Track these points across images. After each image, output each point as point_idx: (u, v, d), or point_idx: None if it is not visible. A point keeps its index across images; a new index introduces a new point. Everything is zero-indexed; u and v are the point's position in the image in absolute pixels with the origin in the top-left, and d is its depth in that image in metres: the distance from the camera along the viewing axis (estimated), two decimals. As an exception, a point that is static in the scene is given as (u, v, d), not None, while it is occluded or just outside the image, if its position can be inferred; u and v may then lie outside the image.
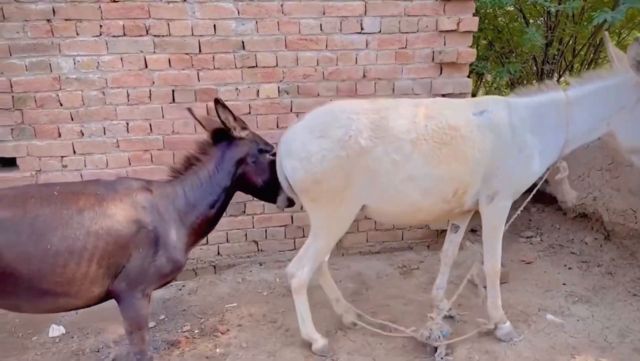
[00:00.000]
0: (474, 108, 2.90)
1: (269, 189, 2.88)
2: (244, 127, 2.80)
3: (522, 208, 3.20)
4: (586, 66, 6.31)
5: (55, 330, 3.40)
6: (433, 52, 4.12)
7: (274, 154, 2.84)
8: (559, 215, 4.87)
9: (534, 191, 3.18)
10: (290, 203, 3.00)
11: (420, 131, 2.77)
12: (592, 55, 6.23)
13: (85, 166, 3.86)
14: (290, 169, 2.78)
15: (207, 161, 2.71)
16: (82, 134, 3.81)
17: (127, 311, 2.41)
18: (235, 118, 2.72)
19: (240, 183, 2.81)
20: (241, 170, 2.77)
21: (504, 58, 6.46)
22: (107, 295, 2.41)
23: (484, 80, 7.72)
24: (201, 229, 2.69)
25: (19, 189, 2.36)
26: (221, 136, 2.76)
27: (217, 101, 2.59)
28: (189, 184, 2.64)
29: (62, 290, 2.23)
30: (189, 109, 2.90)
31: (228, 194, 2.77)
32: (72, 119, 3.76)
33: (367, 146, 2.72)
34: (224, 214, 2.87)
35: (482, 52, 6.55)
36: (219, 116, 2.65)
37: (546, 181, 5.03)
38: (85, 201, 2.29)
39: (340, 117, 2.76)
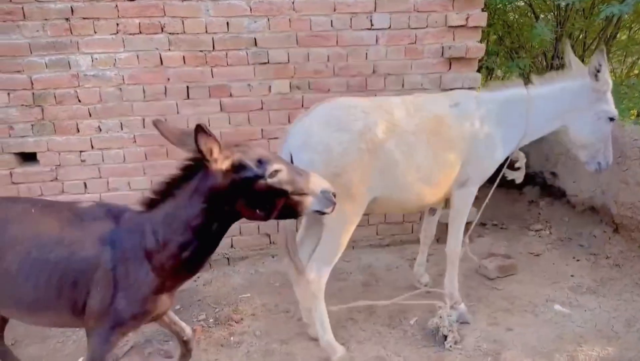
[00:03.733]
0: (450, 101, 3.14)
1: (282, 211, 2.14)
2: (228, 156, 2.04)
3: (489, 197, 3.53)
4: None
5: (76, 319, 3.52)
6: (442, 47, 4.17)
7: (272, 173, 2.06)
8: (568, 208, 4.90)
9: (497, 181, 3.47)
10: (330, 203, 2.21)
11: (416, 122, 2.96)
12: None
13: (103, 160, 3.98)
14: (307, 162, 2.75)
15: (178, 196, 2.12)
16: (100, 130, 3.92)
17: (89, 347, 2.20)
18: (220, 148, 2.01)
19: (233, 218, 2.16)
20: (227, 207, 2.10)
21: (513, 53, 6.48)
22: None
23: (494, 75, 7.74)
24: (176, 272, 2.19)
25: (11, 200, 2.36)
26: (198, 167, 2.09)
27: (200, 129, 1.89)
28: (160, 219, 2.14)
29: (23, 308, 2.18)
30: (155, 123, 2.21)
31: (206, 234, 2.14)
32: (90, 115, 3.88)
33: (382, 139, 2.83)
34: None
35: (492, 47, 6.58)
36: (197, 146, 1.94)
37: (554, 175, 5.10)
38: (47, 226, 2.14)
39: (355, 111, 2.85)
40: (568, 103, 3.17)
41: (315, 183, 2.14)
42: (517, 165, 3.37)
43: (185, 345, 2.70)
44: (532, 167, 5.48)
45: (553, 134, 3.40)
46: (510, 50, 6.54)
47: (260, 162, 2.04)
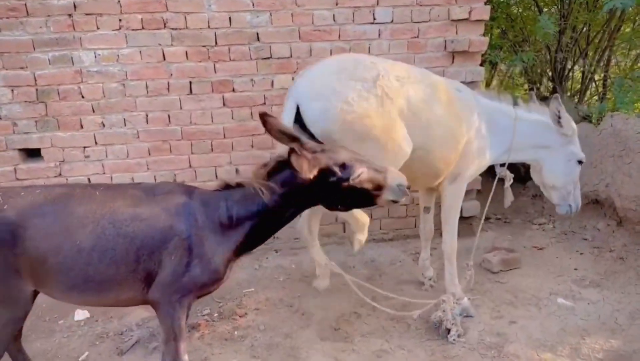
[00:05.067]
0: (454, 85, 3.19)
1: (356, 203, 2.43)
2: (315, 165, 2.22)
3: (492, 192, 3.54)
4: (600, 53, 6.27)
5: (80, 314, 3.53)
6: (445, 41, 4.16)
7: (355, 176, 2.27)
8: (572, 202, 4.89)
9: (497, 177, 3.49)
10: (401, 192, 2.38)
11: (430, 80, 2.98)
12: (606, 42, 6.19)
13: (106, 156, 3.99)
14: (320, 111, 2.63)
15: (264, 186, 2.31)
16: (103, 126, 3.93)
17: (163, 321, 2.31)
18: (309, 163, 2.18)
19: (310, 206, 2.49)
20: (309, 201, 2.41)
21: (517, 47, 6.45)
22: (145, 300, 2.35)
23: (497, 69, 7.71)
24: (245, 246, 2.43)
25: (67, 186, 2.43)
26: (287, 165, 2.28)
27: (292, 151, 2.15)
28: (237, 198, 2.35)
29: (91, 287, 2.23)
30: (262, 115, 2.39)
31: (279, 218, 2.41)
32: (94, 111, 3.89)
33: (397, 86, 2.77)
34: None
35: (495, 41, 6.55)
36: (290, 165, 2.19)
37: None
38: (122, 203, 2.24)
39: (364, 62, 2.79)
40: (541, 137, 3.30)
41: (392, 178, 2.34)
42: (505, 186, 3.46)
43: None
44: (535, 161, 5.48)
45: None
46: (514, 44, 6.51)
47: (344, 166, 2.26)
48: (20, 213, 2.13)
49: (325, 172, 2.24)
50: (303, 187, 2.27)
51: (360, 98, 2.64)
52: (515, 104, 3.37)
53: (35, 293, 2.32)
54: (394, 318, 3.32)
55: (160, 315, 2.30)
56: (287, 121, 2.72)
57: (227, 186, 2.42)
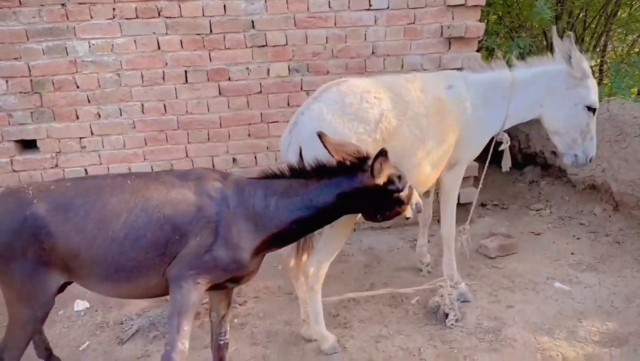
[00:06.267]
0: (444, 83, 3.11)
1: (392, 215, 2.46)
2: (385, 172, 2.31)
3: (483, 177, 3.54)
4: (597, 38, 6.26)
5: (80, 305, 3.54)
6: (441, 27, 4.14)
7: (406, 189, 2.41)
8: (569, 187, 4.91)
9: (488, 159, 3.42)
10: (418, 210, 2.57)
11: (425, 104, 2.92)
12: (602, 27, 6.17)
13: (103, 147, 3.98)
14: (322, 155, 2.56)
15: (311, 183, 2.35)
16: (99, 116, 3.92)
17: (173, 293, 2.23)
18: (381, 167, 2.27)
19: (351, 212, 2.49)
20: (357, 205, 2.42)
21: (513, 33, 6.43)
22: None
23: (495, 56, 7.68)
24: (278, 239, 2.40)
25: (98, 178, 2.48)
26: (349, 169, 2.35)
27: (384, 152, 2.22)
28: (278, 189, 2.35)
29: (123, 276, 2.23)
30: (320, 135, 2.38)
31: (321, 218, 2.40)
32: (89, 102, 3.87)
33: (396, 125, 2.77)
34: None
35: (492, 27, 6.52)
36: (372, 166, 2.25)
37: (555, 154, 5.10)
38: (154, 190, 2.25)
39: (368, 97, 2.73)
40: (545, 87, 3.14)
41: (415, 196, 2.51)
42: (501, 148, 3.33)
43: (217, 351, 2.63)
44: (532, 147, 5.49)
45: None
46: (510, 30, 6.49)
47: (399, 177, 2.37)
48: (49, 208, 2.13)
49: (389, 182, 2.32)
50: (362, 190, 2.32)
51: (359, 143, 2.60)
52: (513, 65, 3.25)
53: (58, 292, 2.31)
54: (392, 304, 3.34)
55: (172, 289, 2.23)
56: (293, 161, 2.67)
57: (268, 174, 2.43)
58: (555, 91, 3.13)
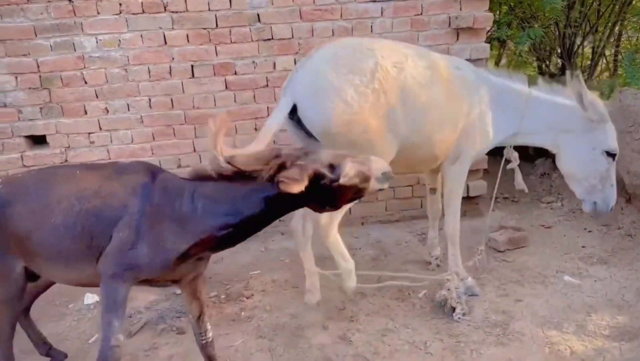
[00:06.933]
0: (452, 62, 3.06)
1: (345, 200, 2.24)
2: (304, 175, 2.03)
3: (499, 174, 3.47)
4: (611, 28, 6.13)
5: (90, 298, 3.58)
6: (449, 17, 4.10)
7: (345, 175, 2.13)
8: (581, 180, 4.84)
9: (505, 158, 3.35)
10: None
11: (429, 60, 2.89)
12: (616, 17, 6.05)
13: (111, 142, 4.01)
14: (319, 111, 2.61)
15: (240, 182, 2.16)
16: (107, 111, 3.95)
17: (101, 289, 2.23)
18: (298, 176, 2.01)
19: (291, 210, 2.30)
20: (295, 206, 2.25)
21: (525, 23, 6.33)
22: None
23: (506, 47, 7.58)
24: (207, 245, 2.25)
25: (56, 167, 2.55)
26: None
27: (279, 177, 1.99)
28: (205, 193, 2.20)
29: (61, 262, 2.28)
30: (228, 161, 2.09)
31: (253, 223, 2.21)
32: (97, 97, 3.90)
33: (395, 73, 2.73)
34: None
35: (504, 17, 6.43)
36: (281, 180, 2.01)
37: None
38: (90, 181, 2.27)
39: (361, 49, 2.72)
40: (560, 120, 3.06)
41: (376, 168, 2.21)
42: (509, 166, 3.29)
43: (203, 350, 2.61)
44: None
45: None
46: (522, 20, 6.39)
47: (332, 167, 2.10)
48: (11, 193, 2.28)
49: (316, 179, 2.07)
50: (292, 195, 2.06)
51: (359, 95, 2.61)
52: (533, 83, 3.19)
53: (28, 271, 2.38)
54: (398, 297, 3.33)
55: (101, 284, 2.22)
56: (280, 116, 2.66)
57: (201, 175, 2.23)
58: (570, 130, 3.05)
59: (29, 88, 3.81)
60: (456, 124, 3.01)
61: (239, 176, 2.12)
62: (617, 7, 5.93)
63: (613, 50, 6.42)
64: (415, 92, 2.79)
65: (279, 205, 2.15)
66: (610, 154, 3.02)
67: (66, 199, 2.23)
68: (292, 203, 2.15)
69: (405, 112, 2.78)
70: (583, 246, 3.92)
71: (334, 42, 2.87)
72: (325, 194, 2.13)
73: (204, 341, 2.59)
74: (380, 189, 2.27)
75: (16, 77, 3.77)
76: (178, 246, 2.20)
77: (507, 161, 3.32)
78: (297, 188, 1.98)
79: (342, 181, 2.09)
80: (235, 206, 2.14)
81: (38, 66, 3.76)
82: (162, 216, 2.19)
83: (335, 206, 2.24)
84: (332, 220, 2.90)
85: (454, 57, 3.33)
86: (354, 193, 2.19)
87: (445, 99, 2.91)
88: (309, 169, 2.06)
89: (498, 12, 6.66)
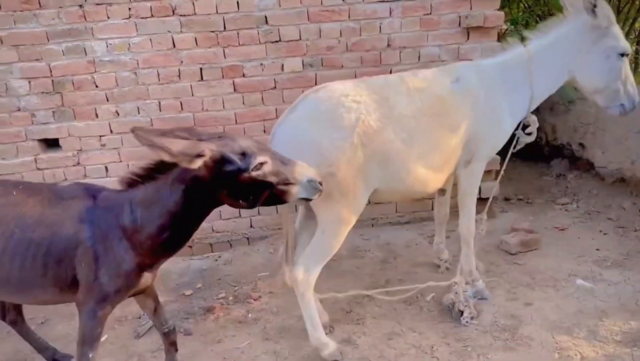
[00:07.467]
0: (450, 77, 2.96)
1: (268, 200, 2.17)
2: (200, 155, 1.98)
3: (502, 171, 3.39)
4: (630, 25, 5.99)
5: (101, 298, 3.63)
6: (459, 16, 4.04)
7: (257, 166, 2.06)
8: (597, 181, 4.72)
9: (509, 156, 3.28)
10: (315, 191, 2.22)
11: (417, 105, 2.80)
12: (636, 12, 5.90)
13: (122, 144, 4.06)
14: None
15: (160, 180, 2.17)
16: (118, 114, 3.99)
17: (79, 324, 2.27)
18: (184, 150, 1.96)
19: (214, 205, 2.23)
20: (208, 196, 2.15)
21: (542, 22, 6.22)
22: (71, 299, 2.31)
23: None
24: (154, 252, 2.25)
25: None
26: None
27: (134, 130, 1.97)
28: (138, 200, 2.19)
29: (11, 288, 2.25)
30: (134, 131, 2.00)
31: (184, 219, 2.19)
32: (108, 100, 3.95)
33: (377, 129, 2.68)
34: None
35: (521, 16, 6.34)
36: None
37: (582, 146, 4.92)
38: (31, 206, 2.20)
39: (344, 101, 2.65)
40: (569, 49, 2.97)
41: (301, 172, 2.15)
42: (528, 130, 3.16)
43: (166, 337, 2.63)
44: (559, 139, 5.31)
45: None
46: (539, 18, 6.28)
47: (244, 155, 2.05)
48: None
49: (221, 162, 2.03)
50: (202, 181, 2.06)
51: (334, 148, 2.59)
52: (524, 40, 3.11)
53: None
54: (406, 300, 3.29)
55: (79, 318, 2.27)
56: None
57: (131, 182, 2.23)
58: (581, 49, 2.96)
59: (42, 92, 3.87)
60: (453, 153, 2.95)
61: (161, 168, 2.12)
62: (637, 2, 5.79)
63: (634, 48, 6.26)
64: (396, 146, 2.73)
65: (197, 195, 2.12)
66: (624, 55, 2.95)
67: (4, 224, 2.15)
68: (206, 191, 2.11)
69: (388, 165, 2.74)
70: (597, 249, 3.82)
71: (319, 92, 2.74)
72: (236, 185, 2.08)
73: (166, 330, 2.60)
74: (307, 199, 2.21)
75: (29, 82, 3.84)
76: (134, 261, 2.22)
77: (525, 126, 3.17)
78: (195, 164, 1.96)
79: (253, 173, 2.04)
80: (164, 206, 2.14)
81: (50, 70, 3.83)
82: (112, 236, 2.18)
83: (249, 203, 2.15)
84: (308, 276, 2.75)
85: (457, 66, 3.19)
86: (272, 193, 2.12)
87: (441, 135, 2.85)
88: (216, 148, 2.02)
89: (516, 10, 6.58)
